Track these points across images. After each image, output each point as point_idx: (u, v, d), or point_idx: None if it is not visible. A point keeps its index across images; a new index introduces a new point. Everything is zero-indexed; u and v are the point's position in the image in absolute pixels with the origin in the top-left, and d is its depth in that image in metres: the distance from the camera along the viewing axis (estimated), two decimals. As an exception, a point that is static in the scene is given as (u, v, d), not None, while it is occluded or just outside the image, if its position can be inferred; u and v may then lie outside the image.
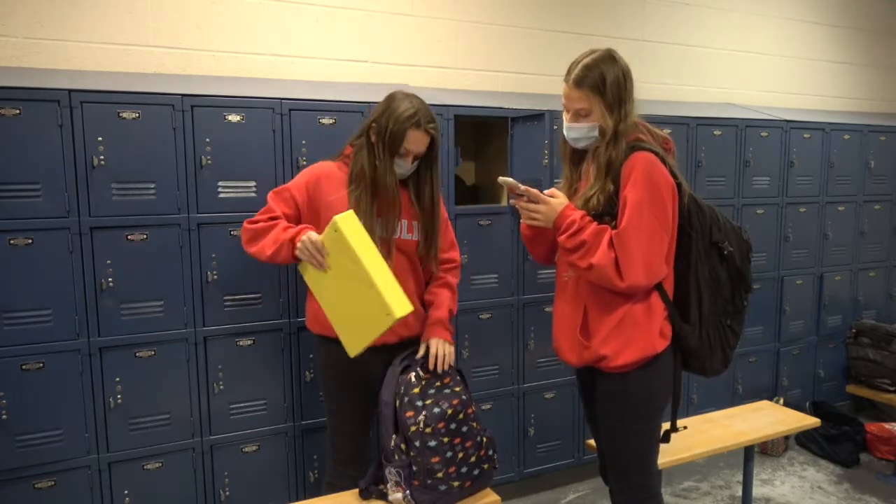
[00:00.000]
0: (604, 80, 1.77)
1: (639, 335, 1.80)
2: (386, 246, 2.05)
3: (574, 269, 1.84)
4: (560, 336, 1.95)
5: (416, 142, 2.01)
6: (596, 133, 1.82)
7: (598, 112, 1.80)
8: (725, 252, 1.86)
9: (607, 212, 1.79)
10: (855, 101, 4.62)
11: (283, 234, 1.97)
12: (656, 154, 1.78)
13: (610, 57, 1.80)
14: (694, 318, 1.85)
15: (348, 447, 2.19)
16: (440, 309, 2.14)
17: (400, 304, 1.85)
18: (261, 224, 2.03)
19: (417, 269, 2.19)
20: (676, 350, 1.88)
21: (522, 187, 1.83)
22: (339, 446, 2.20)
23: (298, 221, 2.08)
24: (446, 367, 2.05)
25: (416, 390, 1.93)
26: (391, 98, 2.05)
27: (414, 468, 1.90)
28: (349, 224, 1.86)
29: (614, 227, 1.77)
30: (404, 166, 2.05)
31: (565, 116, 1.87)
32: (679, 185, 1.80)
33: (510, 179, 1.84)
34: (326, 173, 2.09)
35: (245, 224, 2.08)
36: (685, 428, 2.48)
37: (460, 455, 1.94)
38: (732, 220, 1.95)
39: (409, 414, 1.90)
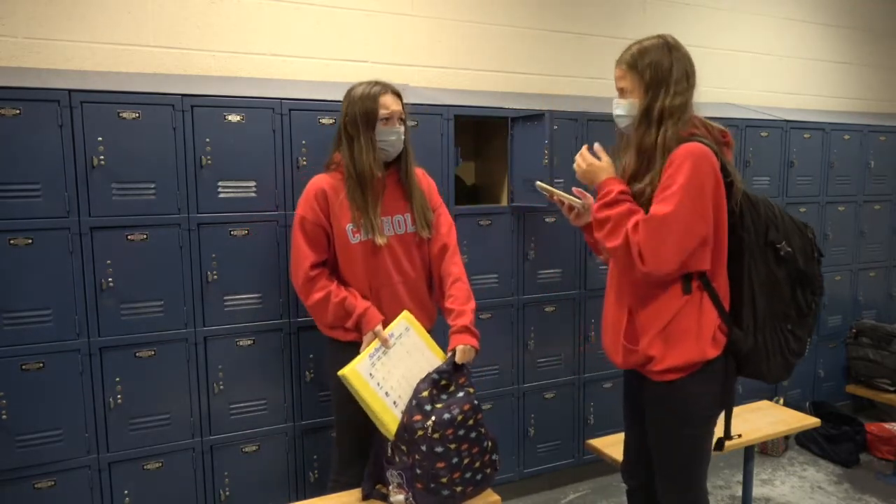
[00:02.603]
0: (642, 59, 1.76)
1: (688, 339, 1.73)
2: (381, 236, 2.09)
3: (603, 248, 1.78)
4: (606, 338, 1.92)
5: (389, 104, 2.09)
6: (635, 112, 1.78)
7: (635, 91, 1.78)
8: (782, 253, 1.76)
9: None
10: (855, 101, 4.61)
11: (349, 323, 2.09)
12: (710, 148, 1.71)
13: (662, 42, 1.77)
14: (747, 321, 1.76)
15: (354, 443, 2.20)
16: (462, 317, 2.11)
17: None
18: (319, 295, 2.08)
19: (424, 256, 2.23)
20: (729, 357, 1.79)
21: (557, 193, 1.90)
22: (345, 442, 2.22)
23: (328, 241, 2.12)
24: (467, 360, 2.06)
25: (425, 394, 1.91)
26: (349, 91, 2.14)
27: (418, 471, 1.88)
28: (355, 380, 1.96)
29: None
30: (394, 133, 2.09)
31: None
32: (731, 183, 1.73)
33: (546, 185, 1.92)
34: (327, 183, 2.12)
35: (303, 291, 2.11)
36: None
37: (466, 461, 1.92)
38: (796, 218, 1.85)
39: (417, 418, 1.88)
